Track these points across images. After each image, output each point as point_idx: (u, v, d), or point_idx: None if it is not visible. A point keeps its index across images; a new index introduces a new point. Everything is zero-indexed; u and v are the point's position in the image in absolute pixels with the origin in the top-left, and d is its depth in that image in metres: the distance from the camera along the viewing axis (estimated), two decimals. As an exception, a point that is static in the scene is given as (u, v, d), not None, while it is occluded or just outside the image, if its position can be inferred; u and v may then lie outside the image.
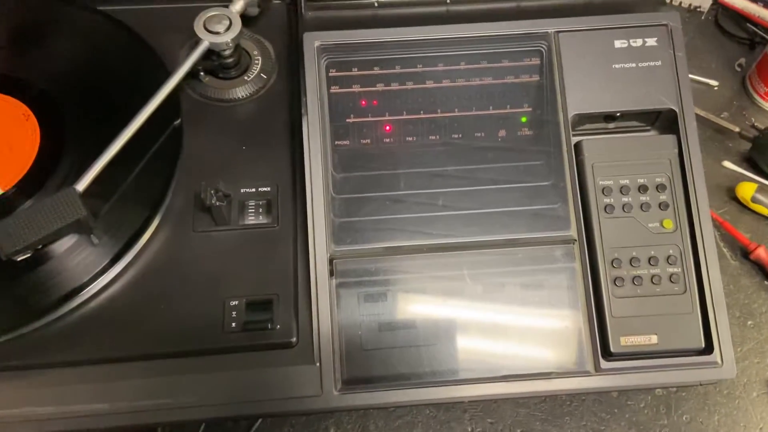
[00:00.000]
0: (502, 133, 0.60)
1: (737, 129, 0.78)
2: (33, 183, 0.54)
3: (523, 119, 0.60)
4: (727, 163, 0.78)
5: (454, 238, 0.57)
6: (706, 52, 0.85)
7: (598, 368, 0.55)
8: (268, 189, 0.59)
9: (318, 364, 0.54)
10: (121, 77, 0.60)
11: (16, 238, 0.49)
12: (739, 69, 0.85)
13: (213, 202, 0.54)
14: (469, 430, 0.61)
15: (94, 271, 0.53)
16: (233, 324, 0.54)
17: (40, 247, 0.51)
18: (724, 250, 0.72)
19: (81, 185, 0.52)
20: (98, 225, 0.53)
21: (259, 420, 0.59)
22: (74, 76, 0.60)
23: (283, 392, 0.53)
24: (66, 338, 0.53)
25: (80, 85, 0.60)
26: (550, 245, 0.57)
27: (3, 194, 0.54)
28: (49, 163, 0.55)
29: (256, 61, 0.63)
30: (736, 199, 0.75)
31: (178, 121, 0.59)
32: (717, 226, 0.71)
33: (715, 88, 0.83)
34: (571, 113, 0.59)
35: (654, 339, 0.55)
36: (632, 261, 0.56)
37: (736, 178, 0.76)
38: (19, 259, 0.51)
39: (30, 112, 0.57)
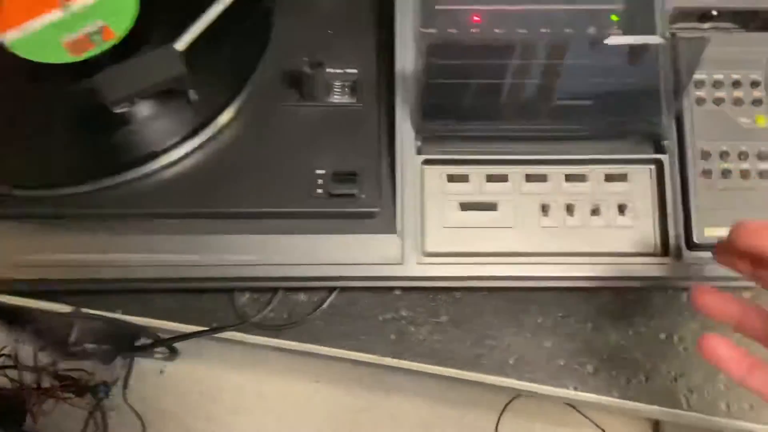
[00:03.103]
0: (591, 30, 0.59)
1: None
2: (137, 40, 0.56)
3: (614, 17, 0.60)
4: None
5: (542, 155, 0.57)
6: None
7: (680, 258, 0.55)
8: (354, 71, 0.59)
9: (400, 235, 0.55)
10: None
11: (118, 87, 0.51)
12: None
13: (305, 69, 0.55)
14: (539, 321, 0.61)
15: (186, 131, 0.54)
16: (319, 191, 0.55)
17: (137, 100, 0.53)
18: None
19: (180, 44, 0.53)
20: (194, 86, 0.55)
21: (335, 292, 0.61)
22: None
23: (365, 257, 0.55)
24: (159, 192, 0.54)
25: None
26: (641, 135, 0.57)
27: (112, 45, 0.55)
28: (151, 23, 0.57)
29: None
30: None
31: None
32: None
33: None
34: (671, 6, 0.58)
35: (740, 231, 0.54)
36: (722, 155, 0.56)
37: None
38: (117, 110, 0.53)
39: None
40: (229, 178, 0.55)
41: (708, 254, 0.54)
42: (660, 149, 0.57)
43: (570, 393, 0.59)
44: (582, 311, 0.61)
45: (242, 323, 0.60)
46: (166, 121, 0.55)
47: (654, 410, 0.59)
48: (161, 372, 1.40)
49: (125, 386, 1.37)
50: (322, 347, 0.60)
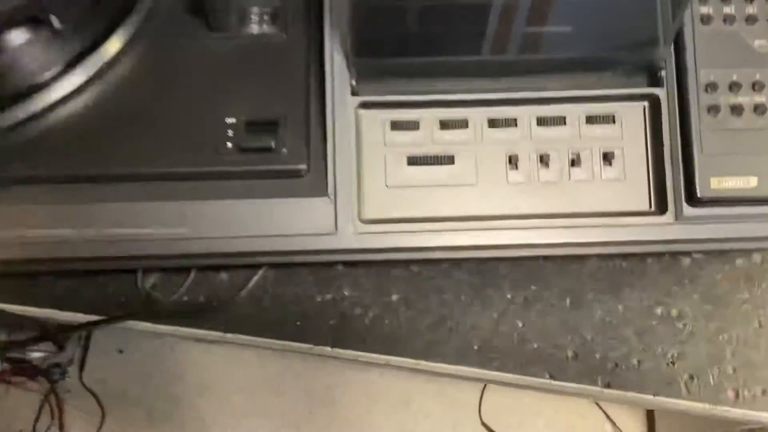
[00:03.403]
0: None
1: None
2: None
3: None
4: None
5: (509, 92, 0.46)
6: None
7: (680, 215, 0.44)
8: (275, -6, 0.48)
9: (332, 197, 0.44)
10: None
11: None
12: None
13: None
14: (509, 297, 0.51)
15: (54, 67, 0.43)
16: (229, 144, 0.44)
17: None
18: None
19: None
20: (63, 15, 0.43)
21: (261, 270, 0.50)
22: None
23: (290, 227, 0.44)
24: (28, 149, 0.43)
25: None
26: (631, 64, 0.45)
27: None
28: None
29: None
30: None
31: None
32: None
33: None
34: None
35: (753, 181, 0.43)
36: (732, 86, 0.44)
37: None
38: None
39: None
40: (115, 132, 0.44)
41: (715, 211, 0.44)
42: (655, 82, 0.46)
43: (545, 382, 0.49)
44: (560, 284, 0.51)
45: (147, 310, 0.49)
46: (30, 55, 0.43)
47: (647, 400, 0.49)
48: (120, 351, 1.31)
49: (81, 368, 1.27)
50: (245, 336, 0.49)
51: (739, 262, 0.52)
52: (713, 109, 0.44)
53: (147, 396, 1.30)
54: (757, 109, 0.44)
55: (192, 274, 0.50)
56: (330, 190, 0.44)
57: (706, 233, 0.44)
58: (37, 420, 1.23)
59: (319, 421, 1.25)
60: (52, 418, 1.25)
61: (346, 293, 0.51)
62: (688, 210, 0.44)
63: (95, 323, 0.49)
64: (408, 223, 0.45)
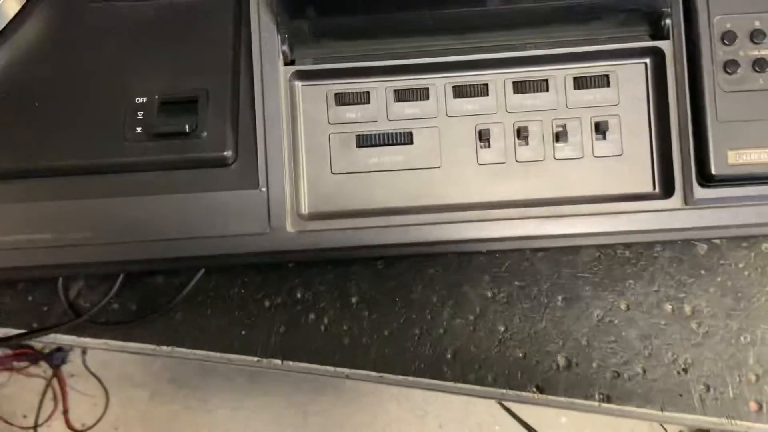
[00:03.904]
0: None
1: None
2: None
3: None
4: None
5: (478, 53, 0.37)
6: None
7: (690, 199, 0.36)
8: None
9: (264, 189, 0.36)
10: None
11: None
12: None
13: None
14: (490, 295, 0.44)
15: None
16: (138, 129, 0.36)
17: None
18: None
19: None
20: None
21: (200, 273, 0.43)
22: None
23: (213, 228, 0.37)
24: None
25: None
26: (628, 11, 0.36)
27: None
28: None
29: None
30: None
31: None
32: None
33: None
34: None
35: (782, 154, 0.35)
36: (754, 35, 0.36)
37: None
38: None
39: None
40: (4, 116, 0.37)
41: (733, 192, 0.35)
42: (659, 33, 0.37)
43: (530, 396, 0.41)
44: (551, 278, 0.43)
45: (69, 322, 0.42)
46: None
47: (653, 415, 0.41)
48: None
49: (84, 351, 1.24)
50: (182, 350, 0.42)
51: (766, 247, 0.43)
52: (731, 65, 0.35)
53: (150, 378, 1.27)
54: (788, 62, 0.35)
55: (119, 279, 0.43)
56: (261, 180, 0.36)
57: (723, 219, 0.36)
58: (41, 404, 1.21)
59: (323, 403, 1.21)
60: (56, 401, 1.23)
61: (298, 296, 0.44)
62: (700, 192, 0.36)
63: (6, 340, 0.42)
64: (358, 218, 0.37)
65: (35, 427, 1.14)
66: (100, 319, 0.44)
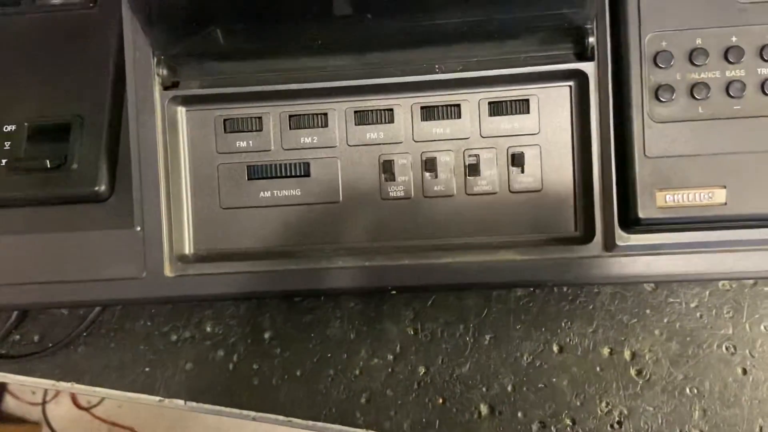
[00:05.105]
0: None
1: None
2: None
3: None
4: None
5: (383, 77, 0.33)
6: None
7: (611, 245, 0.31)
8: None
9: (140, 228, 0.33)
10: None
11: None
12: None
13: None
14: (412, 332, 0.40)
15: None
16: (2, 162, 0.33)
17: None
18: None
19: None
20: None
21: (94, 311, 0.40)
22: None
23: (85, 272, 0.33)
24: None
25: None
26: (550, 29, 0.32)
27: None
28: None
29: None
30: None
31: None
32: None
33: None
34: None
35: (721, 195, 0.30)
36: (693, 56, 0.30)
37: None
38: None
39: None
40: None
41: (662, 239, 0.31)
42: (583, 53, 0.32)
43: (447, 452, 0.38)
44: (479, 315, 0.39)
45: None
46: None
47: (581, 472, 0.37)
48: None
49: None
50: (80, 386, 0.40)
51: (723, 285, 0.38)
52: (664, 91, 0.30)
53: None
54: (731, 87, 0.30)
55: (14, 314, 0.40)
56: (137, 218, 0.33)
57: (649, 268, 0.31)
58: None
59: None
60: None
61: (208, 329, 0.41)
62: (623, 237, 0.31)
63: None
64: (247, 261, 0.34)
65: (43, 403, 1.14)
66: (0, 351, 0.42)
